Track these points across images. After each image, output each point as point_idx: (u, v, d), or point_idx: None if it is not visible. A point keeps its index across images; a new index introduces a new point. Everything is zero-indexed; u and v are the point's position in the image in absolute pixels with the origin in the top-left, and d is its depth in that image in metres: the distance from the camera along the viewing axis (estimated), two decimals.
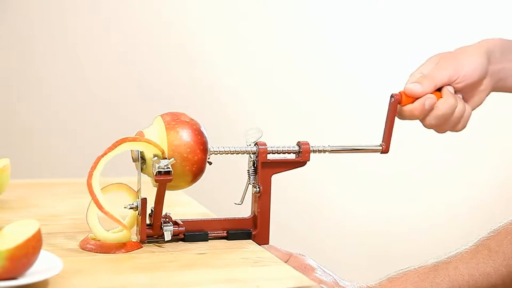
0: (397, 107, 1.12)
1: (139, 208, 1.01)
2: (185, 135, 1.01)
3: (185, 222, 1.04)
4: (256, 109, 2.33)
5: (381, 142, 1.13)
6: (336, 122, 2.39)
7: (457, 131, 1.15)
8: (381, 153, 1.12)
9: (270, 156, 1.06)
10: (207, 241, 1.04)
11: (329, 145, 1.08)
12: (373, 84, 2.43)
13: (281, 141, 1.12)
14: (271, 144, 1.06)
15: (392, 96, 1.12)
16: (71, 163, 2.18)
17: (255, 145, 1.06)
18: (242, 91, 2.32)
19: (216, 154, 1.04)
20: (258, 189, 1.06)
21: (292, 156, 1.07)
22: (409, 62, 2.45)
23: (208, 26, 2.28)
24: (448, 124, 1.12)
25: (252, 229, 1.07)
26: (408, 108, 1.11)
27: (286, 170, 1.07)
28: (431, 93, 1.11)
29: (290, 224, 2.35)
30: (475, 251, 1.03)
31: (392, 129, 1.12)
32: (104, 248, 0.97)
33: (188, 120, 1.03)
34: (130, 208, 1.03)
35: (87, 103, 2.19)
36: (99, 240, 0.99)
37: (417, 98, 1.11)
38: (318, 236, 2.41)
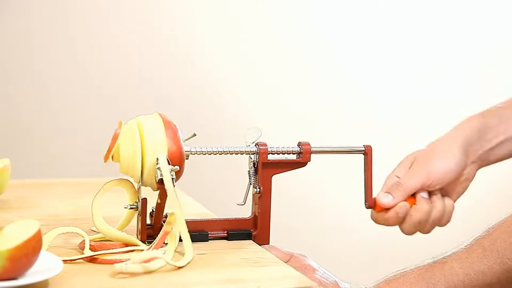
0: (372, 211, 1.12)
1: (139, 208, 1.01)
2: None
3: (185, 222, 1.03)
4: (256, 109, 2.33)
5: (364, 201, 1.12)
6: (336, 122, 2.39)
7: (442, 226, 1.13)
8: (366, 208, 1.12)
9: (271, 157, 1.06)
10: (207, 241, 1.04)
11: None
12: (373, 84, 2.43)
13: (281, 141, 1.12)
14: (271, 145, 1.06)
15: (365, 203, 1.11)
16: (71, 163, 2.18)
17: (255, 145, 1.06)
18: (242, 91, 2.32)
19: (216, 154, 1.04)
20: (258, 190, 1.06)
21: (292, 157, 1.07)
22: (409, 62, 2.46)
23: (208, 26, 2.28)
24: (428, 226, 1.11)
25: (252, 230, 1.07)
26: (382, 217, 1.11)
27: (287, 171, 1.07)
28: (405, 202, 1.09)
29: (291, 224, 2.35)
30: (470, 250, 1.03)
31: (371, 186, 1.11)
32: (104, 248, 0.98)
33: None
34: (130, 208, 1.03)
35: (87, 103, 2.19)
36: (99, 241, 0.99)
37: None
38: (318, 236, 2.41)
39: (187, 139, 1.02)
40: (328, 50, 2.39)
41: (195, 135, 1.02)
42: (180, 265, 0.91)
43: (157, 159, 0.97)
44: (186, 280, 0.88)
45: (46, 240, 0.95)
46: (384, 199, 1.10)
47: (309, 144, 1.07)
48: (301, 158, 1.07)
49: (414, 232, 1.12)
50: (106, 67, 2.20)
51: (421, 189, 1.10)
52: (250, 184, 1.07)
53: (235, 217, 1.07)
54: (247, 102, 2.32)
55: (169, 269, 0.91)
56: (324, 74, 2.39)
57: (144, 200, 1.01)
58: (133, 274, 0.88)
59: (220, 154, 1.04)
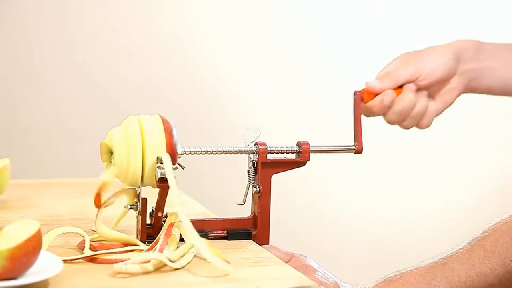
0: (361, 104, 1.14)
1: (139, 208, 1.01)
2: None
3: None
4: (256, 109, 2.33)
5: (354, 143, 1.13)
6: (336, 122, 2.39)
7: (422, 128, 1.16)
8: (355, 153, 1.12)
9: (270, 156, 1.06)
10: None
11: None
12: None
13: (280, 141, 1.12)
14: (271, 144, 1.06)
15: (354, 93, 1.14)
16: (71, 163, 2.18)
17: (255, 145, 1.06)
18: (242, 91, 2.32)
19: (216, 154, 1.04)
20: (258, 189, 1.06)
21: (292, 156, 1.07)
22: None
23: (208, 26, 2.28)
24: (409, 120, 1.14)
25: (252, 229, 1.07)
26: (368, 104, 1.13)
27: (286, 170, 1.07)
28: (392, 90, 1.12)
29: (290, 224, 2.35)
30: (471, 251, 1.03)
31: (360, 127, 1.13)
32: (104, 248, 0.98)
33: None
34: (130, 208, 1.03)
35: (88, 103, 2.19)
36: (99, 241, 0.99)
37: (377, 95, 1.13)
38: (318, 236, 2.41)
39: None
40: (328, 50, 2.39)
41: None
42: (179, 266, 0.91)
43: (158, 158, 0.98)
44: (186, 280, 0.88)
45: (46, 240, 0.95)
46: (373, 84, 1.12)
47: (308, 143, 1.07)
48: (300, 157, 1.07)
49: (396, 122, 1.14)
50: (107, 67, 2.20)
51: (410, 81, 1.13)
52: (250, 183, 1.07)
53: (235, 216, 1.07)
54: (247, 102, 2.32)
55: (169, 269, 0.91)
56: (324, 74, 2.39)
57: (144, 200, 1.01)
58: (132, 274, 0.88)
59: (219, 154, 1.05)
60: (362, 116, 1.15)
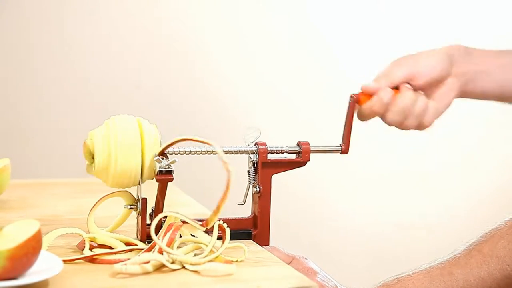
0: (355, 107, 1.13)
1: (139, 208, 1.01)
2: None
3: (185, 222, 1.03)
4: (256, 109, 2.33)
5: (340, 143, 1.12)
6: (336, 122, 2.39)
7: (423, 128, 1.15)
8: (341, 153, 1.12)
9: (270, 156, 1.06)
10: None
11: (287, 145, 1.08)
12: None
13: (281, 141, 1.12)
14: (271, 144, 1.06)
15: (351, 96, 1.13)
16: (71, 163, 2.18)
17: (255, 145, 1.06)
18: (242, 91, 2.32)
19: (216, 154, 1.04)
20: (258, 189, 1.06)
21: (292, 156, 1.07)
22: None
23: (208, 26, 2.28)
24: (410, 119, 1.12)
25: (252, 229, 1.07)
26: (367, 105, 1.12)
27: (286, 170, 1.07)
28: (390, 88, 1.12)
29: (290, 224, 2.35)
30: (469, 256, 1.03)
31: (351, 129, 1.12)
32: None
33: None
34: (130, 208, 1.03)
35: (88, 103, 2.19)
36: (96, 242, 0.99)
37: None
38: (318, 236, 2.41)
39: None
40: (328, 50, 2.39)
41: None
42: (178, 268, 0.91)
43: (154, 154, 0.98)
44: (186, 280, 0.88)
45: (46, 241, 0.95)
46: (369, 84, 1.12)
47: (308, 143, 1.07)
48: (300, 157, 1.07)
49: (397, 123, 1.12)
50: (106, 67, 2.20)
51: (406, 81, 1.12)
52: (250, 183, 1.07)
53: (235, 217, 1.07)
54: (247, 102, 2.32)
55: (169, 269, 0.91)
56: (324, 74, 2.39)
57: (144, 200, 1.01)
58: (132, 275, 0.88)
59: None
60: (356, 120, 1.14)
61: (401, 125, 1.13)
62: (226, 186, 0.93)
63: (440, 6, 2.47)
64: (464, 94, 1.18)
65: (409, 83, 1.13)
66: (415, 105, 1.12)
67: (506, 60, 1.18)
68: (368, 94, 1.12)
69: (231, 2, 2.30)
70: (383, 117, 1.13)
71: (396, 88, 1.13)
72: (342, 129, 1.12)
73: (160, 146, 1.00)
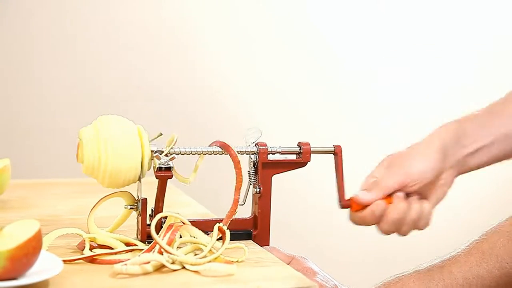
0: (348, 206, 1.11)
1: (139, 208, 1.01)
2: None
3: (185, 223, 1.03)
4: (256, 109, 2.33)
5: (338, 202, 1.11)
6: (336, 122, 2.39)
7: (421, 229, 1.11)
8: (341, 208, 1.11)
9: (271, 157, 1.06)
10: None
11: (287, 146, 1.08)
12: (373, 84, 2.43)
13: (281, 141, 1.12)
14: (271, 145, 1.06)
15: (339, 203, 1.11)
16: (71, 163, 2.18)
17: (255, 145, 1.06)
18: (242, 92, 2.32)
19: (216, 154, 1.04)
20: (258, 190, 1.06)
21: (292, 157, 1.07)
22: (409, 62, 2.46)
23: (208, 26, 2.28)
24: (405, 227, 1.09)
25: (252, 230, 1.07)
26: (359, 215, 1.09)
27: (287, 171, 1.07)
28: (382, 200, 1.08)
29: (291, 224, 2.35)
30: (469, 254, 1.03)
31: (343, 183, 1.11)
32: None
33: None
34: (130, 208, 1.03)
35: (88, 103, 2.19)
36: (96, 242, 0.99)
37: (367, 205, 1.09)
38: (318, 236, 2.41)
39: (154, 139, 1.02)
40: (328, 50, 2.39)
41: (161, 134, 1.02)
42: (178, 268, 0.91)
43: (153, 151, 0.98)
44: (186, 280, 0.88)
45: (46, 241, 0.95)
46: (362, 196, 1.09)
47: (309, 144, 1.07)
48: (301, 158, 1.07)
49: (392, 232, 1.10)
50: (106, 67, 2.20)
51: (399, 189, 1.09)
52: (250, 184, 1.07)
53: (235, 217, 1.07)
54: (247, 102, 2.32)
55: (169, 269, 0.91)
56: (324, 74, 2.39)
57: (144, 200, 1.01)
58: (132, 275, 0.88)
59: (220, 154, 1.04)
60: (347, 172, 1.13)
61: (398, 232, 1.10)
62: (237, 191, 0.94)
63: (440, 6, 2.47)
64: (461, 173, 1.15)
65: (402, 190, 1.10)
66: (408, 215, 1.08)
67: (495, 124, 1.15)
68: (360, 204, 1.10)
69: (231, 2, 2.30)
70: (377, 226, 1.10)
71: (388, 195, 1.10)
72: (336, 186, 1.11)
73: (150, 145, 1.00)
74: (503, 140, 1.13)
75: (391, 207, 1.08)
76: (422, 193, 1.11)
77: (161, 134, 1.01)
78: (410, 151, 1.12)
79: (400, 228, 1.09)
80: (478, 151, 1.13)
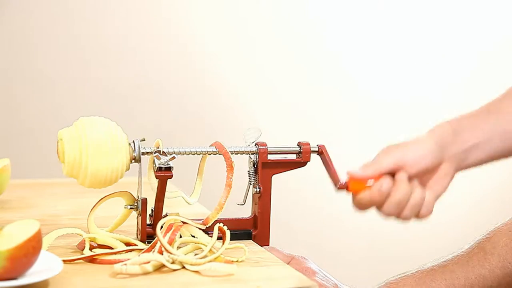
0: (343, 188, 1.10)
1: (139, 208, 1.01)
2: None
3: (185, 223, 1.03)
4: (256, 109, 2.33)
5: (333, 186, 1.11)
6: (336, 122, 2.39)
7: (422, 218, 1.10)
8: (338, 189, 1.11)
9: (271, 157, 1.06)
10: None
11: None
12: (373, 84, 2.43)
13: (281, 141, 1.12)
14: (271, 144, 1.06)
15: (334, 185, 1.10)
16: None
17: (255, 145, 1.06)
18: (242, 91, 2.32)
19: (216, 154, 1.04)
20: (258, 190, 1.06)
21: (292, 157, 1.07)
22: (409, 62, 2.46)
23: (208, 26, 2.28)
24: (407, 211, 1.08)
25: (252, 230, 1.07)
26: (365, 195, 1.08)
27: (287, 171, 1.07)
28: (388, 178, 1.08)
29: (291, 224, 2.35)
30: (471, 253, 1.03)
31: (335, 170, 1.11)
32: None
33: None
34: (130, 208, 1.03)
35: (88, 103, 2.19)
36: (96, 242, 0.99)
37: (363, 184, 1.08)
38: (318, 236, 2.41)
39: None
40: (328, 50, 2.39)
41: (144, 139, 1.02)
42: (178, 268, 0.91)
43: (153, 151, 0.98)
44: (186, 280, 0.88)
45: (46, 241, 0.95)
46: (359, 171, 1.08)
47: (308, 144, 1.07)
48: (301, 158, 1.07)
49: (394, 214, 1.09)
50: (107, 67, 2.20)
51: (396, 168, 1.08)
52: (250, 184, 1.07)
53: (235, 217, 1.07)
54: (247, 102, 2.32)
55: (169, 269, 0.91)
56: (324, 74, 2.39)
57: (144, 200, 1.01)
58: (132, 275, 0.88)
59: (220, 154, 1.04)
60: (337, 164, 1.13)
61: (398, 217, 1.09)
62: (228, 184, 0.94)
63: (440, 6, 2.47)
64: (461, 169, 1.15)
65: (400, 170, 1.09)
66: (411, 198, 1.08)
67: (493, 121, 1.15)
68: (357, 181, 1.09)
69: (232, 2, 2.30)
70: (380, 208, 1.09)
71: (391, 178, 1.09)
72: (329, 176, 1.11)
73: (129, 148, 1.00)
74: (501, 137, 1.13)
75: (394, 188, 1.07)
76: (423, 183, 1.10)
77: (144, 139, 1.01)
78: (407, 141, 1.12)
79: (401, 211, 1.08)
80: (475, 147, 1.13)
